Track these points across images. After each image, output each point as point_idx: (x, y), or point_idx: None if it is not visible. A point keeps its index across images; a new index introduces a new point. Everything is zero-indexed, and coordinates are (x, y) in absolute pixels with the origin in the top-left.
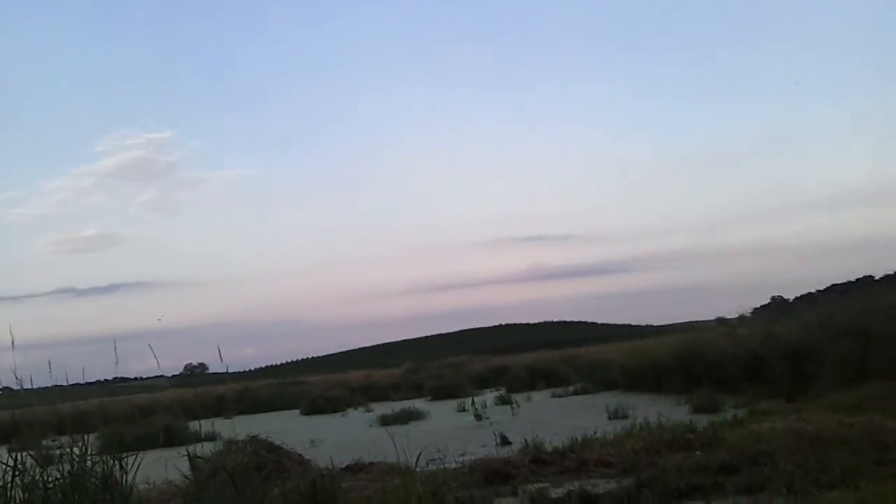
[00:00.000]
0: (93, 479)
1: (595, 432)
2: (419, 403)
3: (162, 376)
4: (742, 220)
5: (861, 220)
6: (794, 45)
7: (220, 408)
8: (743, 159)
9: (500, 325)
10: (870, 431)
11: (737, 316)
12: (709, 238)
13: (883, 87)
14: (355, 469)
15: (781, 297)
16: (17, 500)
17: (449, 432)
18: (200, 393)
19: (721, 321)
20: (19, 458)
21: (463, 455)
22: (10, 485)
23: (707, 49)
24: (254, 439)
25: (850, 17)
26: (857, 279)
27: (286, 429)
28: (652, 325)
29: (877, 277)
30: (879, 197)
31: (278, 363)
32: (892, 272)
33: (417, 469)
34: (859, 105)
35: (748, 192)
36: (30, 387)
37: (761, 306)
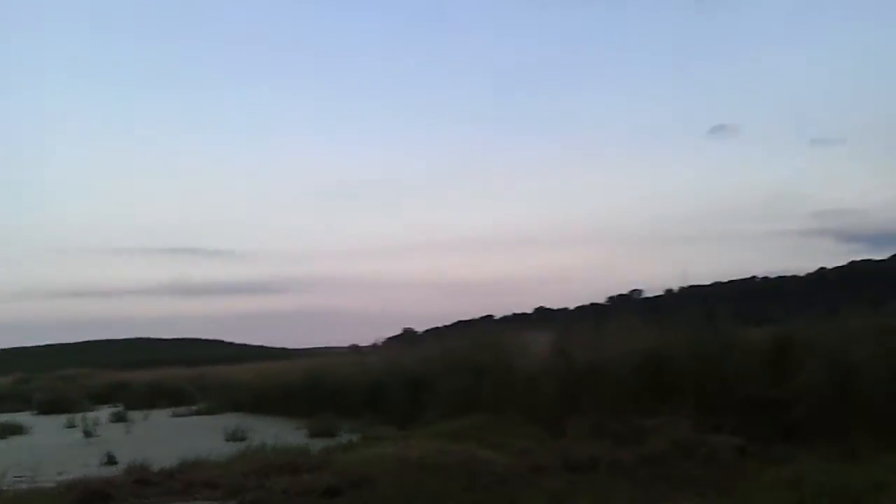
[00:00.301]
0: None
1: (209, 454)
2: (23, 417)
3: None
4: (384, 253)
5: (488, 264)
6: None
7: None
8: (391, 195)
9: (133, 339)
10: (464, 459)
11: (370, 344)
12: (351, 267)
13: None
14: None
15: (412, 329)
16: None
17: (52, 449)
18: None
19: (354, 348)
20: None
21: (61, 474)
22: None
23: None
24: None
25: None
26: (481, 317)
27: None
28: (287, 349)
29: (496, 317)
30: (503, 245)
31: None
32: (510, 314)
33: (3, 489)
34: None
35: (392, 227)
36: None
37: (394, 337)
